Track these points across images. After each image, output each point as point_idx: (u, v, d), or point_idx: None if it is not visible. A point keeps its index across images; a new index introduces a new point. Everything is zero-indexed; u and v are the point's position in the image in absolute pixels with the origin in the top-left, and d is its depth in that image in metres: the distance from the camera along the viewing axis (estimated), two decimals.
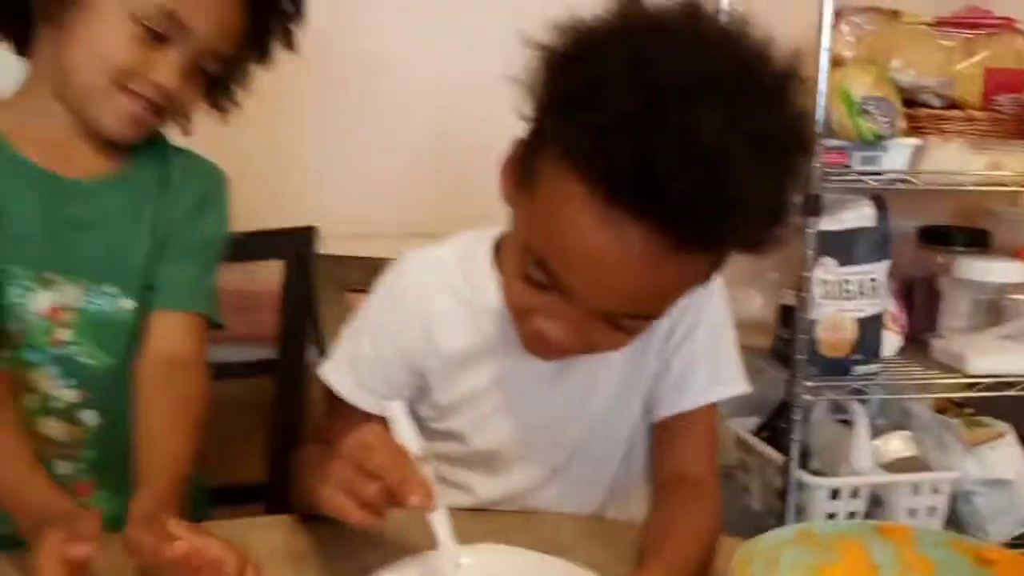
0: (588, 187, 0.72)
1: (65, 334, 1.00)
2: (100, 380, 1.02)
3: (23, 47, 1.02)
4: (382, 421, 0.80)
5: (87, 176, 1.01)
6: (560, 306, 0.79)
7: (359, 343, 0.99)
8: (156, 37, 0.95)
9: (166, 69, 0.96)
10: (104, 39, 0.94)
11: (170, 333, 1.01)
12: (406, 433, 0.77)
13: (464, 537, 0.83)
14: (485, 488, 1.02)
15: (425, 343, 0.97)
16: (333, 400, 0.99)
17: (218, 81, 1.04)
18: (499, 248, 0.96)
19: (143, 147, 1.04)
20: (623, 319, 0.81)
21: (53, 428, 1.01)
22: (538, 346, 0.86)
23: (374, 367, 0.97)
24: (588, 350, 0.85)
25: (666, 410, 0.98)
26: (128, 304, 1.02)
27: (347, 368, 0.98)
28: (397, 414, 0.78)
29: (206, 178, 1.08)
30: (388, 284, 0.99)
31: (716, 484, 0.96)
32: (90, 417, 1.03)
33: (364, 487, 0.72)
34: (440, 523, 0.77)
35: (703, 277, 0.82)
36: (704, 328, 0.98)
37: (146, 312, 1.03)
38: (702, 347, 0.98)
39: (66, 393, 1.01)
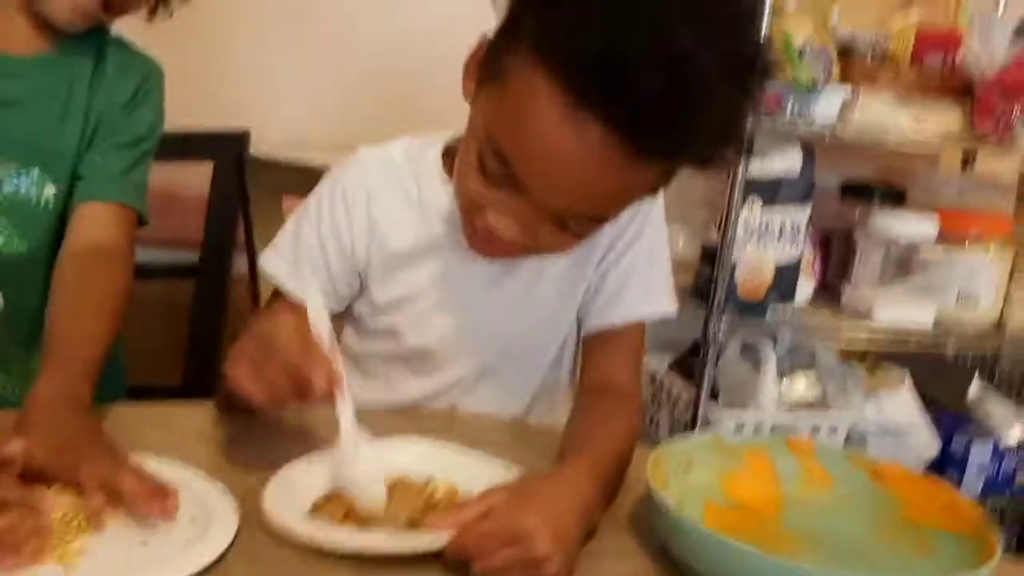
0: (556, 83, 0.73)
1: None
2: (10, 265, 1.00)
3: None
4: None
5: (18, 53, 0.98)
6: (512, 202, 0.80)
7: (302, 233, 0.99)
8: None
9: None
10: None
11: (96, 223, 0.99)
12: (320, 324, 0.78)
13: (386, 434, 0.86)
14: (415, 386, 1.04)
15: (369, 239, 0.98)
16: (273, 297, 1.00)
17: None
18: (449, 153, 0.97)
19: (79, 31, 1.01)
20: (571, 220, 0.82)
21: None
22: (484, 244, 0.87)
23: (315, 258, 0.98)
24: (533, 250, 0.87)
25: (597, 322, 1.01)
26: (51, 190, 0.99)
27: (288, 257, 0.99)
28: (314, 303, 0.79)
29: (142, 71, 1.06)
30: (337, 178, 1.00)
31: (638, 394, 1.00)
32: None
33: (271, 371, 0.73)
34: (344, 412, 0.77)
35: (653, 187, 0.84)
36: (642, 247, 1.01)
37: (70, 201, 1.01)
38: (638, 265, 1.01)
39: None
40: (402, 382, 1.05)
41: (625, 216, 0.98)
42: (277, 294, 1.00)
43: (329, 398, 0.75)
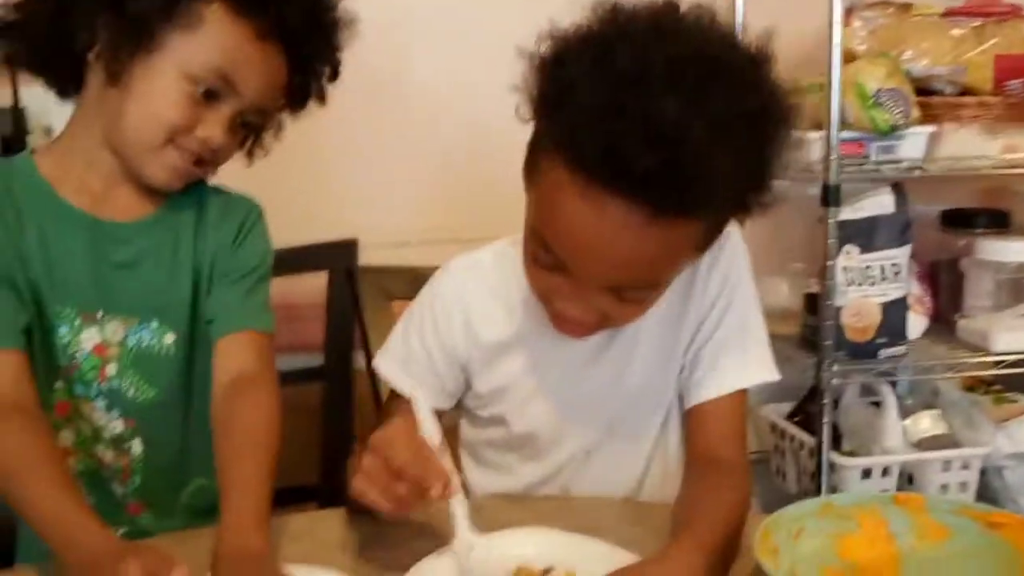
0: (571, 173, 0.82)
1: (111, 369, 1.05)
2: (145, 411, 1.07)
3: (65, 92, 1.06)
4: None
5: (127, 218, 1.06)
6: (569, 285, 0.89)
7: (407, 340, 1.09)
8: (208, 96, 0.99)
9: (215, 126, 1.00)
10: (160, 98, 0.98)
11: (234, 355, 1.05)
12: (427, 424, 0.86)
13: (505, 522, 0.93)
14: (527, 470, 1.10)
15: (465, 337, 1.06)
16: (391, 395, 1.09)
17: (253, 130, 1.09)
18: None
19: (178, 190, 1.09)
20: (625, 291, 0.89)
21: (105, 454, 1.08)
22: (563, 325, 0.95)
23: (422, 361, 1.07)
24: (606, 324, 0.94)
25: (696, 396, 1.04)
26: (171, 337, 1.07)
27: (398, 359, 1.09)
28: (420, 405, 0.87)
29: (242, 212, 1.12)
30: (433, 287, 1.10)
31: (745, 465, 1.02)
32: (136, 445, 1.08)
33: (391, 483, 0.81)
34: (458, 510, 0.84)
35: (694, 245, 0.89)
36: (734, 316, 1.04)
37: (190, 346, 1.08)
38: (732, 337, 1.04)
39: (113, 424, 1.06)
40: (515, 468, 1.11)
41: (714, 288, 1.04)
42: (393, 394, 1.08)
43: (445, 497, 0.82)
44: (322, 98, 1.11)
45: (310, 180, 1.81)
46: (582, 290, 0.89)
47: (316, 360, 1.75)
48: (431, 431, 0.85)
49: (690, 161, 0.78)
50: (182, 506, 1.13)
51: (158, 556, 0.77)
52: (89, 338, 1.04)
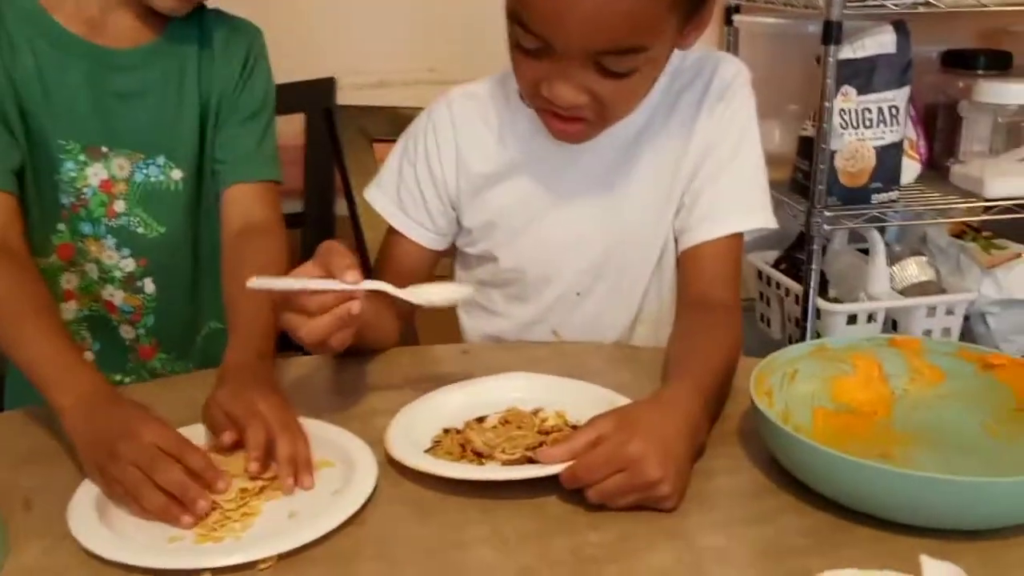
0: None
1: (120, 205, 1.03)
2: (155, 249, 1.05)
3: None
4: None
5: (128, 45, 1.01)
6: (554, 66, 0.87)
7: (401, 171, 1.07)
8: None
9: None
10: None
11: (246, 204, 1.04)
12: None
13: (495, 367, 0.93)
14: (516, 311, 1.09)
15: (456, 167, 1.04)
16: (389, 230, 1.09)
17: None
18: None
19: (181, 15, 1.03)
20: (608, 59, 0.87)
21: (115, 295, 1.06)
22: (557, 123, 0.94)
23: (413, 191, 1.06)
24: (599, 112, 0.92)
25: (692, 238, 1.02)
26: (178, 174, 1.04)
27: (390, 192, 1.07)
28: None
29: (247, 40, 1.07)
30: (427, 116, 1.07)
31: (738, 308, 1.01)
32: (148, 285, 1.07)
33: (309, 304, 0.77)
34: (376, 288, 0.81)
35: (667, 3, 0.85)
36: (735, 159, 1.02)
37: (198, 182, 1.06)
38: (732, 178, 1.01)
39: (124, 263, 1.05)
40: (504, 308, 1.10)
41: (716, 130, 1.01)
42: (391, 228, 1.08)
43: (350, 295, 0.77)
44: None
45: (285, 16, 1.71)
46: (567, 68, 0.87)
47: (296, 206, 1.71)
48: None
49: None
50: (196, 350, 1.13)
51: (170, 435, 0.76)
52: (95, 174, 1.01)
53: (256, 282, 0.78)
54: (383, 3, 1.83)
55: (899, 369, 0.88)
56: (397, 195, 1.07)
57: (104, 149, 1.01)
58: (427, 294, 0.84)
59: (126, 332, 1.09)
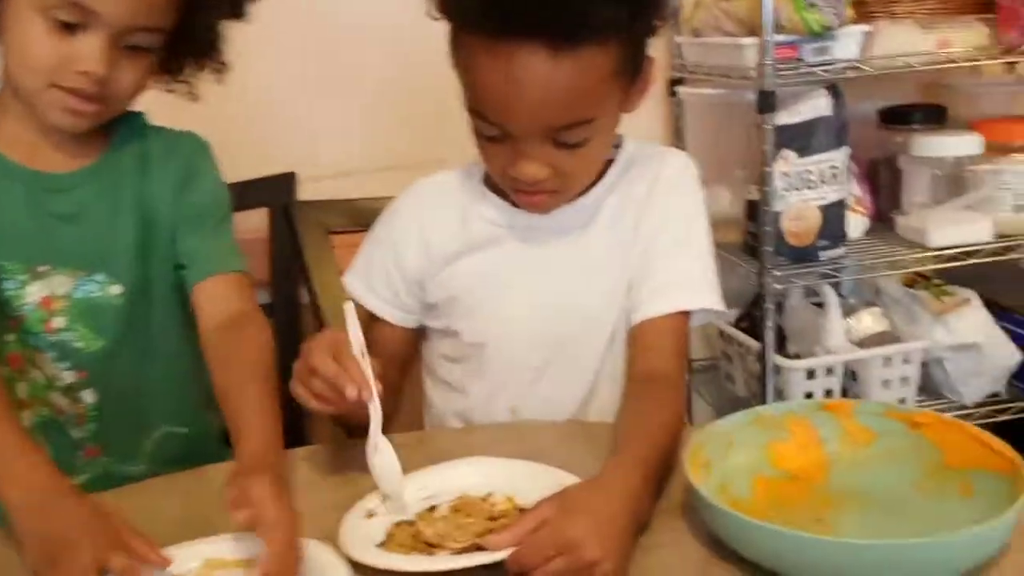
0: (472, 38, 0.96)
1: (58, 321, 1.05)
2: (95, 362, 1.07)
3: None
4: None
5: (67, 169, 1.04)
6: (514, 148, 0.98)
7: (370, 256, 1.16)
8: (68, 27, 0.94)
9: (88, 57, 0.95)
10: (24, 39, 0.95)
11: (220, 297, 1.06)
12: (352, 331, 0.90)
13: (449, 453, 0.96)
14: (476, 387, 1.13)
15: (419, 247, 1.12)
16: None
17: (188, 48, 1.05)
18: None
19: (121, 132, 1.07)
20: (562, 134, 0.97)
21: (60, 401, 1.08)
22: (525, 197, 1.04)
23: (380, 275, 1.14)
24: (562, 182, 1.01)
25: (641, 314, 1.06)
26: (117, 289, 1.06)
27: (361, 275, 1.16)
28: (348, 313, 0.92)
29: (185, 152, 1.10)
30: (397, 202, 1.17)
31: (681, 382, 1.05)
32: (89, 395, 1.08)
33: (310, 380, 0.89)
34: (373, 414, 0.89)
35: (609, 71, 0.96)
36: (684, 244, 1.08)
37: (140, 294, 1.07)
38: (679, 257, 1.07)
39: (65, 374, 1.06)
40: (466, 384, 1.14)
41: (662, 211, 1.08)
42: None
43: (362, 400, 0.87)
44: (238, 7, 1.05)
45: (244, 114, 1.77)
46: (526, 148, 0.97)
47: (263, 297, 1.74)
48: (355, 338, 0.90)
49: None
50: (146, 453, 1.13)
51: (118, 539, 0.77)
52: (36, 291, 1.04)
53: (350, 308, 0.92)
54: (339, 98, 1.90)
55: (833, 432, 0.92)
56: (368, 277, 1.15)
57: (44, 268, 1.03)
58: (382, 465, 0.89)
59: (74, 432, 1.10)
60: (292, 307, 1.70)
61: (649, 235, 1.07)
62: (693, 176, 1.11)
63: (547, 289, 1.09)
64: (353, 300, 1.08)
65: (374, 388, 0.89)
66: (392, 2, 1.78)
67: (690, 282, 1.07)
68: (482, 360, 1.12)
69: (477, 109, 0.98)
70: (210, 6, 1.04)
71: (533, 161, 0.98)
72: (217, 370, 1.01)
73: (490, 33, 0.93)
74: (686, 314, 1.07)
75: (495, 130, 0.98)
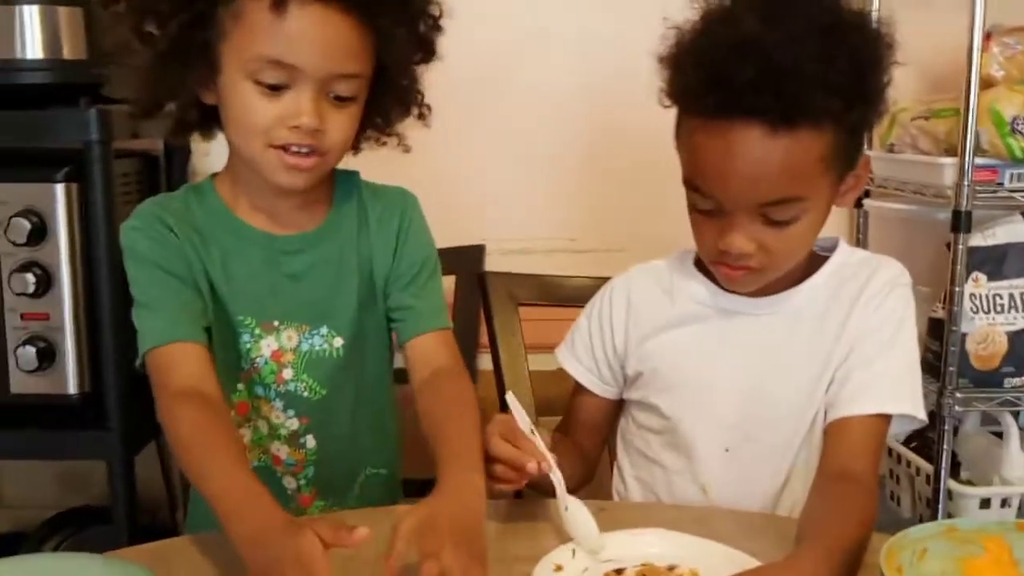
0: (694, 118, 1.02)
1: (288, 373, 1.13)
2: (317, 409, 1.15)
3: (207, 134, 1.12)
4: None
5: (298, 230, 1.13)
6: (724, 221, 1.02)
7: (579, 326, 1.24)
8: (275, 89, 0.99)
9: (298, 111, 1.00)
10: (240, 106, 1.01)
11: (429, 353, 1.14)
12: (517, 414, 0.99)
13: (637, 524, 0.99)
14: (669, 459, 1.16)
15: (626, 320, 1.19)
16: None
17: (390, 94, 1.09)
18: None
19: (341, 192, 1.16)
20: (771, 209, 1.01)
21: (281, 450, 1.16)
22: (729, 272, 1.07)
23: (585, 344, 1.22)
24: (767, 261, 1.05)
25: (840, 411, 1.07)
26: (339, 341, 1.14)
27: (569, 345, 1.24)
28: (511, 403, 1.01)
29: (399, 209, 1.17)
30: (612, 280, 1.24)
31: (875, 485, 1.05)
32: (310, 441, 1.16)
33: (491, 468, 0.96)
34: (556, 478, 0.97)
35: (820, 155, 1.00)
36: (893, 347, 1.08)
37: (357, 346, 1.15)
38: (888, 363, 1.08)
39: (289, 422, 1.14)
40: (659, 454, 1.17)
41: (877, 317, 1.09)
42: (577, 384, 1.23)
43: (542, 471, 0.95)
44: (429, 50, 1.09)
45: (437, 186, 1.88)
46: (736, 221, 1.02)
47: None
48: (522, 421, 0.99)
49: (779, 71, 0.94)
50: (354, 497, 1.20)
51: (332, 523, 0.82)
52: (268, 345, 1.12)
53: (511, 398, 1.00)
54: (526, 174, 1.98)
55: None
56: (574, 347, 1.23)
57: (275, 323, 1.12)
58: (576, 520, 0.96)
59: (288, 483, 1.17)
60: (471, 370, 1.77)
61: (857, 335, 1.08)
62: (907, 284, 1.12)
63: (745, 372, 1.11)
64: (565, 370, 1.21)
65: (550, 458, 0.97)
66: (591, 92, 1.91)
67: (894, 386, 1.07)
68: (676, 434, 1.15)
69: (694, 182, 1.03)
70: (401, 47, 1.06)
71: (741, 234, 1.02)
72: (425, 414, 1.07)
73: (711, 114, 0.99)
74: (886, 418, 1.06)
75: (709, 203, 1.03)
